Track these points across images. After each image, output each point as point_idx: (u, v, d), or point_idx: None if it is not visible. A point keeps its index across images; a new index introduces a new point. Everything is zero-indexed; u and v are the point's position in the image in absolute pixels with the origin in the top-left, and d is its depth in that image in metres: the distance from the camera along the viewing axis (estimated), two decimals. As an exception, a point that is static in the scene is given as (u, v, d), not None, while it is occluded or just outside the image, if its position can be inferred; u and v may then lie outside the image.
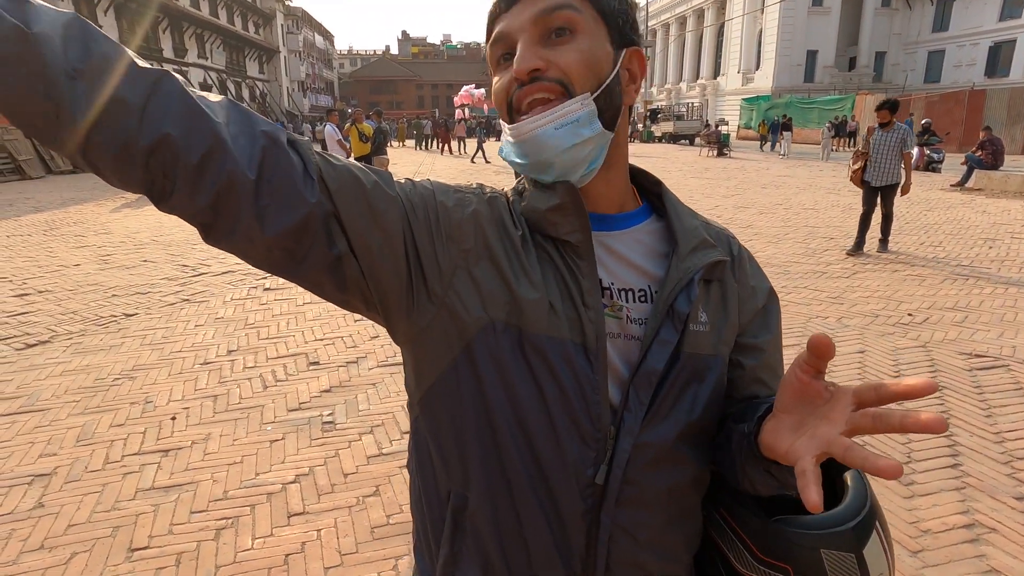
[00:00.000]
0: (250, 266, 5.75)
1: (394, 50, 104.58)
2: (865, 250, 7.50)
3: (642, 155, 26.37)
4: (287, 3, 53.82)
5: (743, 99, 38.31)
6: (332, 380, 4.06)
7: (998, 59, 31.90)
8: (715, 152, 24.49)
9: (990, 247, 7.79)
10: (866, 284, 6.19)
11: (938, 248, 7.78)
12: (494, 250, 0.72)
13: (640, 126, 39.06)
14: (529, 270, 0.71)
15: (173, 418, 3.57)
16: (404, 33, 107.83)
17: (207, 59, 39.28)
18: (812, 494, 0.51)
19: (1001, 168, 14.02)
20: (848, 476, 0.74)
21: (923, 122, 18.52)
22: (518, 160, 0.73)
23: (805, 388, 0.59)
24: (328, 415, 3.59)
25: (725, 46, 44.02)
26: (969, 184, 13.64)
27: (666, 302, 0.72)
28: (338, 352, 4.57)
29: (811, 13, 37.76)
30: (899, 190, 7.29)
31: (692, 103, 45.66)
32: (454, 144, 28.74)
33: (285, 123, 44.94)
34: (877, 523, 0.69)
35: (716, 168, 19.35)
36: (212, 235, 0.63)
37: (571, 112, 0.68)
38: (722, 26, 44.43)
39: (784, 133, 24.06)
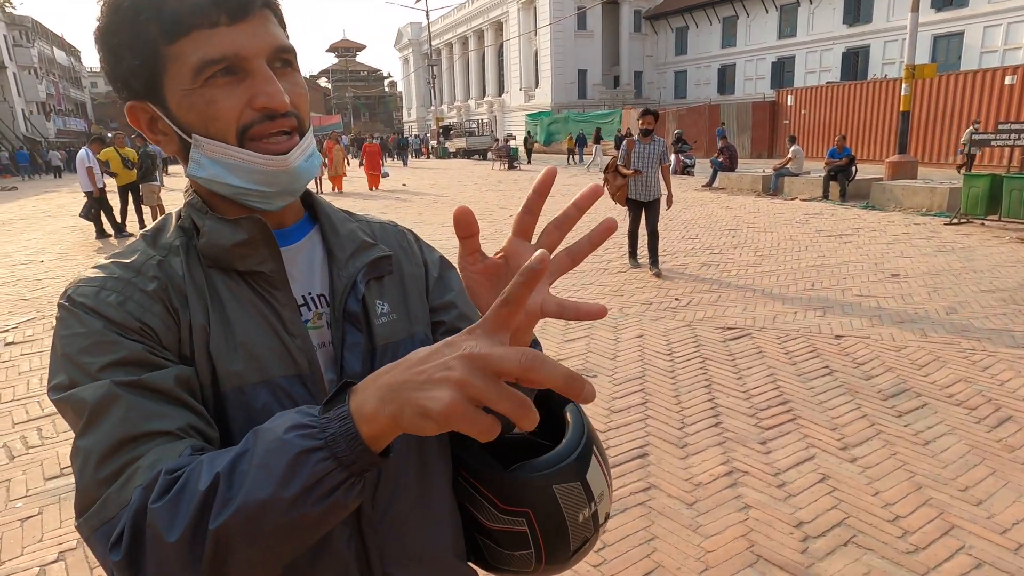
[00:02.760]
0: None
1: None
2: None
3: (439, 170, 26.89)
4: (8, 11, 45.64)
5: (527, 114, 40.86)
6: (102, 437, 3.56)
7: (725, 79, 37.88)
8: (506, 166, 25.81)
9: (733, 236, 9.19)
10: (640, 276, 6.96)
11: (695, 240, 8.99)
12: (162, 338, 0.66)
13: (434, 143, 39.80)
14: (210, 323, 0.69)
15: None
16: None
17: None
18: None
19: (737, 170, 16.63)
20: (567, 411, 0.81)
21: (675, 132, 21.27)
22: (253, 187, 0.69)
23: (486, 275, 0.65)
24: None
25: (506, 65, 46.66)
26: (715, 184, 16.00)
27: (339, 308, 0.76)
28: (108, 405, 4.01)
29: (577, 36, 41.56)
30: (664, 203, 7.16)
31: (482, 119, 47.64)
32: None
33: (24, 148, 38.38)
34: (594, 448, 0.77)
35: (509, 181, 20.39)
36: None
37: (310, 145, 0.73)
38: (502, 46, 47.05)
39: (594, 146, 24.90)
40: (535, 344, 0.73)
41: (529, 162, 28.43)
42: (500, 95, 48.89)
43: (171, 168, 29.88)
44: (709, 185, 16.09)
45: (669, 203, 7.33)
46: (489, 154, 31.35)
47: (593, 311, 0.58)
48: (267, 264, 0.71)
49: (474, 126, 41.06)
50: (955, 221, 9.58)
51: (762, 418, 3.54)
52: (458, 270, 0.67)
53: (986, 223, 9.30)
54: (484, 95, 51.60)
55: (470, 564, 0.88)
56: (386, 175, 20.99)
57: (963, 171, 13.08)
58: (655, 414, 3.63)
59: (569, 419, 0.80)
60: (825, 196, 12.80)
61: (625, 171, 6.93)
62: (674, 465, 3.08)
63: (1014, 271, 6.59)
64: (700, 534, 2.55)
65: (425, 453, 0.80)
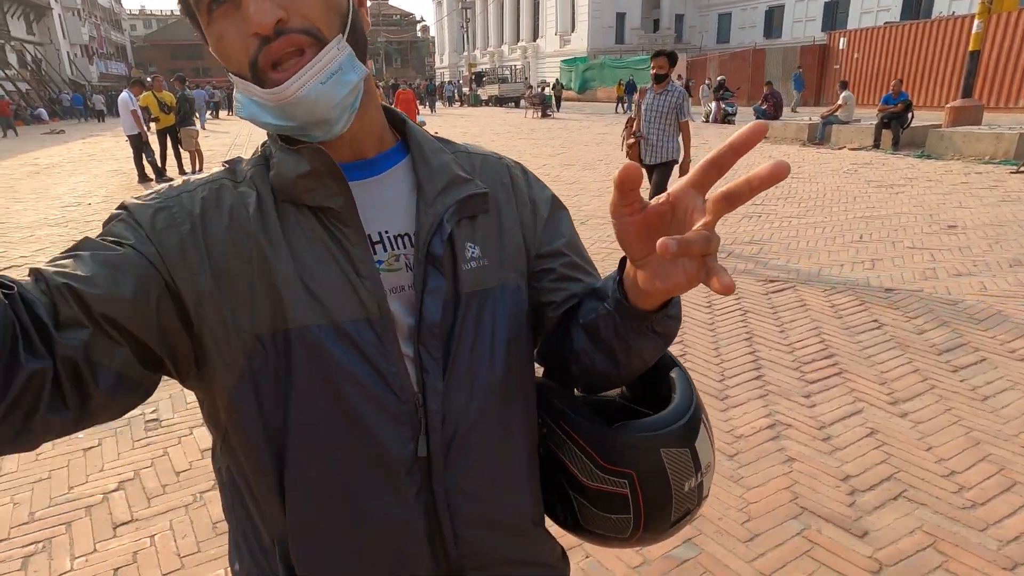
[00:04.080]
0: (39, 259, 4.99)
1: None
2: None
3: (470, 117, 26.49)
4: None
5: (562, 60, 39.72)
6: (153, 375, 3.67)
7: (772, 22, 36.02)
8: (540, 114, 25.26)
9: (776, 187, 8.87)
10: (680, 227, 6.80)
11: (736, 190, 8.72)
12: (228, 258, 0.64)
13: (466, 90, 39.07)
14: (281, 252, 0.65)
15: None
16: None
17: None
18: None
19: (781, 118, 15.98)
20: (674, 375, 0.77)
21: (718, 79, 20.48)
22: (282, 123, 0.64)
23: (643, 225, 0.56)
24: (152, 412, 3.25)
25: (542, 8, 45.13)
26: (758, 133, 15.42)
27: (423, 250, 0.69)
28: (158, 344, 4.14)
29: (617, -24, 39.86)
30: (677, 169, 5.54)
31: (515, 66, 46.51)
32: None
33: (73, 93, 38.95)
34: (703, 417, 0.73)
35: (542, 129, 19.99)
36: None
37: (332, 60, 0.62)
38: (538, -12, 45.47)
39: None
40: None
41: (558, 110, 27.62)
42: (535, 40, 47.51)
43: (221, 114, 30.08)
44: (752, 134, 15.52)
45: (684, 169, 5.43)
46: (522, 101, 30.71)
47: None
48: (335, 198, 0.66)
49: (507, 72, 40.16)
50: (1023, 169, 9.05)
51: (806, 371, 3.47)
52: (612, 216, 0.58)
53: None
54: (518, 40, 50.19)
55: (547, 530, 0.84)
56: (423, 123, 20.65)
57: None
58: (694, 366, 3.58)
59: (676, 384, 0.75)
60: (876, 145, 12.23)
61: (629, 138, 5.76)
62: (714, 417, 3.04)
63: (1080, 225, 6.25)
64: (742, 485, 2.53)
65: (508, 416, 0.75)
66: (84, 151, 17.88)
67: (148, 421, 3.16)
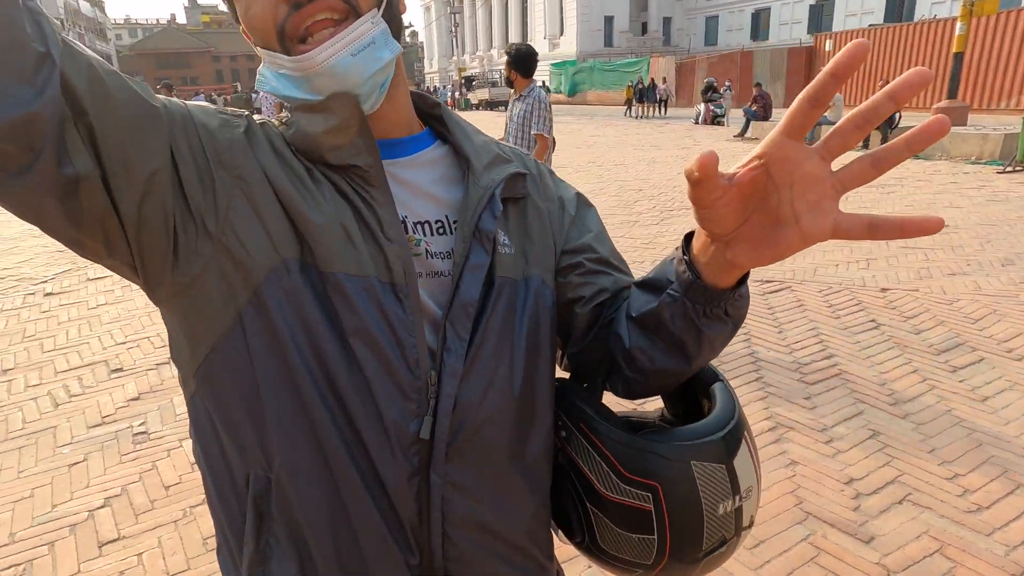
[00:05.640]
0: (23, 270, 4.89)
1: (181, 19, 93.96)
2: None
3: (462, 123, 26.39)
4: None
5: (551, 64, 39.82)
6: (140, 386, 3.59)
7: (759, 24, 36.29)
8: (531, 116, 25.24)
9: (768, 188, 8.89)
10: (672, 229, 6.77)
11: (728, 192, 8.72)
12: (273, 175, 0.61)
13: (456, 94, 39.09)
14: (317, 196, 0.62)
15: (-69, 460, 2.93)
16: (192, 0, 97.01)
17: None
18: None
19: (772, 119, 16.03)
20: (715, 388, 0.70)
21: (705, 80, 20.52)
22: (307, 97, 0.62)
23: (740, 200, 0.51)
24: (140, 425, 3.17)
25: (530, 13, 45.28)
26: (748, 134, 15.47)
27: (470, 224, 0.65)
28: (144, 354, 4.05)
29: (604, -20, 40.01)
30: None
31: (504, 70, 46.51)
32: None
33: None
34: (746, 433, 0.66)
35: (533, 132, 19.96)
36: None
37: (364, 33, 0.60)
38: (526, -7, 45.56)
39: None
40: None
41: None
42: (524, 44, 47.56)
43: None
44: (741, 135, 15.57)
45: None
46: (513, 105, 30.74)
47: (929, 224, 0.45)
48: (362, 156, 0.62)
49: (497, 76, 40.19)
50: (1009, 169, 9.11)
51: (806, 372, 3.43)
52: (694, 206, 0.53)
53: (1043, 172, 8.85)
54: (507, 44, 50.30)
55: (548, 553, 0.77)
56: None
57: None
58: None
59: (716, 397, 0.68)
60: (865, 145, 12.28)
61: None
62: (716, 419, 3.00)
63: (1070, 222, 6.28)
64: (745, 489, 2.48)
65: (525, 419, 0.69)
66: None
67: (136, 434, 3.08)
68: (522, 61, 4.32)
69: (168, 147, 0.56)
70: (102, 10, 66.80)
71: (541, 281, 0.71)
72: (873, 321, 4.07)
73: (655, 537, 0.63)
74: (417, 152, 0.70)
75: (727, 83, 20.70)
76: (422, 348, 0.63)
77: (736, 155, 12.44)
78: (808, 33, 30.18)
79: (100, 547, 2.31)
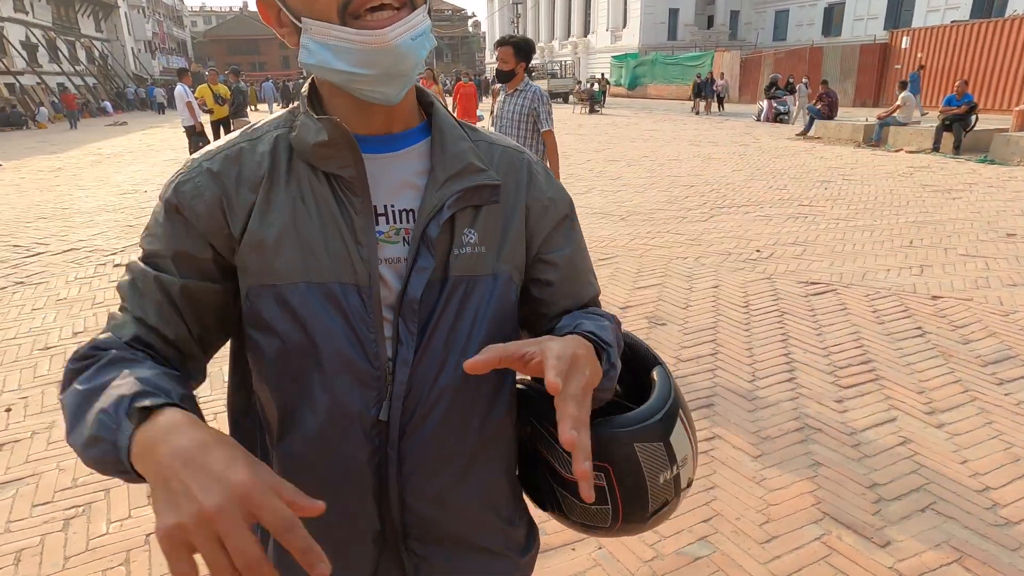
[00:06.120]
0: (97, 242, 5.24)
1: (253, 7, 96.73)
2: None
3: (518, 114, 26.43)
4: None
5: (613, 56, 39.32)
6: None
7: (831, 20, 34.82)
8: (588, 110, 25.09)
9: (825, 188, 8.63)
10: (720, 226, 6.67)
11: (783, 191, 8.50)
12: (239, 217, 0.71)
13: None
14: (273, 212, 0.71)
15: (8, 409, 3.22)
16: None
17: (27, 13, 34.34)
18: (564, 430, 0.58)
19: (836, 119, 15.46)
20: (655, 372, 0.80)
21: (770, 76, 19.88)
22: (357, 71, 0.65)
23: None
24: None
25: (593, 4, 44.75)
26: (811, 133, 14.96)
27: (420, 228, 0.72)
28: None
29: (671, -28, 39.16)
30: None
31: (565, 61, 46.25)
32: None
33: (133, 88, 40.52)
34: (680, 412, 0.76)
35: (589, 125, 19.86)
36: None
37: (422, 23, 0.66)
38: (590, -16, 45.06)
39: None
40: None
41: (603, 105, 27.24)
42: (586, 36, 47.14)
43: (260, 106, 30.89)
44: (804, 134, 15.07)
45: None
46: (571, 97, 30.54)
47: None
48: (348, 169, 0.70)
49: (556, 68, 39.98)
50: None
51: (841, 376, 3.37)
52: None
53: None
54: (569, 36, 49.88)
55: (512, 521, 0.87)
56: (481, 119, 19.80)
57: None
58: (725, 365, 3.53)
59: (656, 381, 0.78)
60: (936, 148, 11.73)
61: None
62: (741, 417, 3.00)
63: None
64: (764, 487, 2.48)
65: (477, 400, 0.78)
66: (143, 141, 18.64)
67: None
68: (530, 50, 4.11)
69: (215, 265, 0.73)
70: (180, -2, 69.93)
71: (509, 277, 0.78)
72: (919, 328, 3.95)
73: (609, 506, 0.74)
74: (409, 146, 0.76)
75: (804, 79, 19.96)
76: (380, 341, 0.72)
77: (796, 153, 12.08)
78: (884, 29, 28.80)
79: (149, 496, 2.51)
